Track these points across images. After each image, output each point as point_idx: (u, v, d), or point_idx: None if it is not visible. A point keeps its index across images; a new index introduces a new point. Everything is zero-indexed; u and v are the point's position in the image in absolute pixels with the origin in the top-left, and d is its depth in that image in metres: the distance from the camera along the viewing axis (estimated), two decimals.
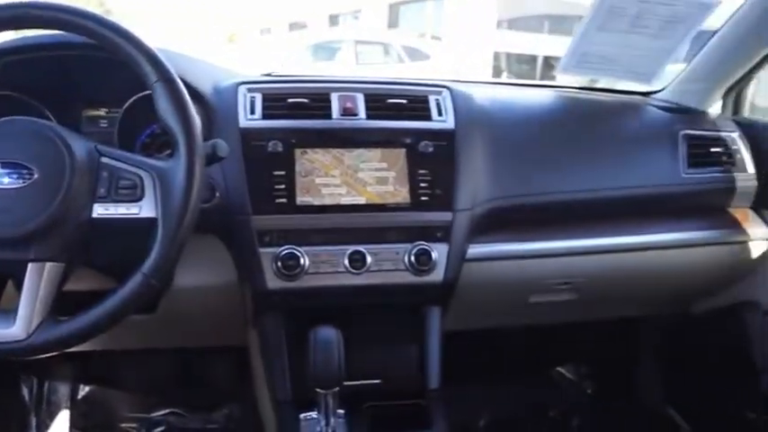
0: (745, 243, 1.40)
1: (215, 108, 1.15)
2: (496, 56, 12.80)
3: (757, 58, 1.38)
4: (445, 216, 1.15)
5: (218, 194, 1.08)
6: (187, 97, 0.88)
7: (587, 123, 1.36)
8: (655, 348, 1.78)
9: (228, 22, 20.13)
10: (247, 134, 1.13)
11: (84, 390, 1.75)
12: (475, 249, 1.20)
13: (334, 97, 1.19)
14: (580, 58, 1.41)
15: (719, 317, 1.56)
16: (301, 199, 1.12)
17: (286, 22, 17.93)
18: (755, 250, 1.41)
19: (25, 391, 1.67)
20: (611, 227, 1.30)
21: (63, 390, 1.73)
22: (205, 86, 1.16)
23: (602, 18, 1.32)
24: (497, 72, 12.65)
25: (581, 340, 1.86)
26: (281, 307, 1.17)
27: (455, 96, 1.23)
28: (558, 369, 2.00)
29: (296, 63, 7.86)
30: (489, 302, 1.37)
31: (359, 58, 8.26)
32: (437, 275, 1.15)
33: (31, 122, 0.88)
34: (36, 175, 0.83)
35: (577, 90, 1.56)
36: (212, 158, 0.92)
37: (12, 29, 0.91)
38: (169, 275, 1.08)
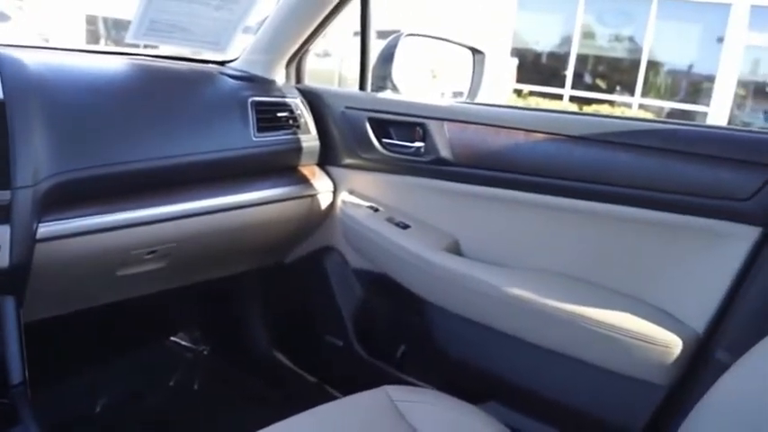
0: (315, 196, 1.60)
1: None
2: (92, 20, 11.87)
3: (307, 33, 1.57)
4: (2, 195, 1.04)
5: None
6: None
7: (160, 91, 1.37)
8: (257, 301, 1.93)
9: None
10: None
11: None
12: (46, 228, 1.12)
13: None
14: (149, 25, 1.40)
15: (306, 263, 1.77)
16: None
17: None
18: (324, 201, 1.62)
19: None
20: (192, 192, 1.34)
21: None
22: None
23: None
24: (94, 38, 11.75)
25: (187, 306, 1.91)
26: None
27: (3, 63, 1.11)
28: (173, 338, 2.02)
29: None
30: (74, 283, 1.30)
31: None
32: (2, 261, 1.04)
33: None
34: None
35: (152, 58, 1.55)
36: None
37: None
38: None
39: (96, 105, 1.23)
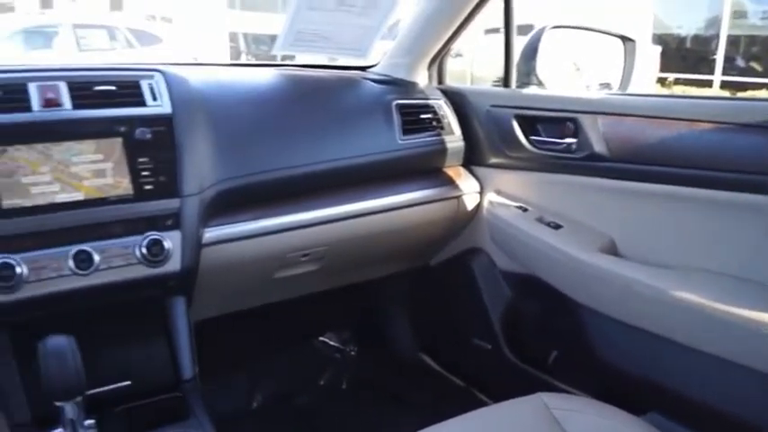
0: (461, 197, 1.57)
1: None
2: (234, 36, 12.61)
3: (449, 33, 1.55)
4: (173, 203, 1.12)
5: None
6: None
7: (309, 99, 1.41)
8: (403, 303, 1.94)
9: None
10: None
11: None
12: (211, 233, 1.20)
13: (33, 87, 1.08)
14: (296, 36, 1.46)
15: (452, 265, 1.75)
16: (8, 202, 1.00)
17: None
18: (470, 202, 1.59)
19: None
20: (342, 196, 1.37)
21: None
22: None
23: None
24: (236, 53, 12.47)
25: (336, 307, 1.96)
26: (1, 324, 1.05)
27: (169, 80, 1.19)
28: (321, 339, 2.08)
29: (3, 52, 6.93)
30: (235, 284, 1.38)
31: (80, 44, 7.52)
32: (174, 264, 1.12)
33: None
34: None
35: (298, 67, 1.61)
36: None
37: None
38: None
39: (251, 116, 1.29)
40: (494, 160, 1.56)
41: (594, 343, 1.47)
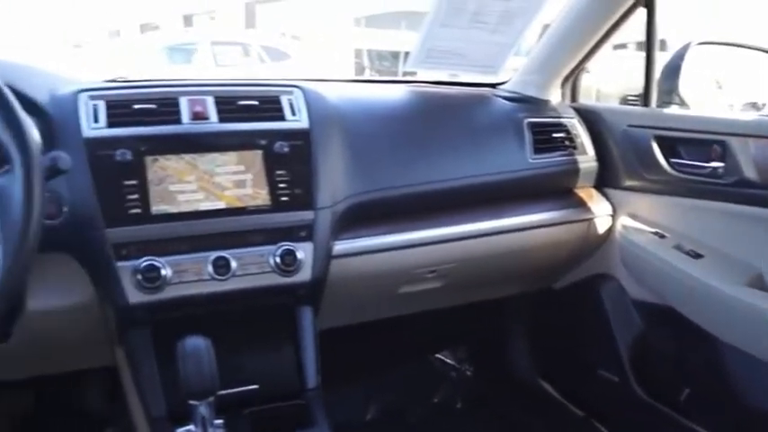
0: (592, 220, 1.51)
1: (54, 118, 1.07)
2: (358, 53, 12.94)
3: (586, 50, 1.50)
4: (307, 215, 1.15)
5: (65, 209, 1.02)
6: (17, 108, 0.82)
7: (439, 116, 1.41)
8: (523, 325, 1.89)
9: (73, 25, 18.85)
10: (92, 144, 1.07)
11: None
12: (341, 245, 1.22)
13: (183, 101, 1.15)
14: (427, 53, 1.47)
15: (579, 290, 1.68)
16: (156, 208, 1.07)
17: (137, 23, 17.07)
18: (602, 226, 1.53)
19: None
20: (469, 213, 1.36)
21: None
22: (41, 96, 1.09)
23: (444, 14, 1.39)
24: (360, 69, 12.77)
25: (455, 325, 1.94)
26: (145, 321, 1.12)
27: (308, 95, 1.24)
28: (438, 356, 2.07)
29: (150, 67, 7.51)
30: (360, 297, 1.39)
31: (217, 60, 8.03)
32: (304, 275, 1.15)
33: None
34: None
35: (429, 84, 1.61)
36: (53, 172, 0.86)
37: None
38: (17, 298, 1.01)
39: (384, 131, 1.31)
40: (629, 182, 1.49)
41: (734, 383, 1.36)
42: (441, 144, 1.35)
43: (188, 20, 16.43)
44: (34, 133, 0.84)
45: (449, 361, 2.04)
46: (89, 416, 1.69)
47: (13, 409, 1.64)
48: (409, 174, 1.28)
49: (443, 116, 1.42)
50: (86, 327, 1.15)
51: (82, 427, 1.68)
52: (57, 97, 1.11)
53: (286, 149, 1.15)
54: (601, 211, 1.51)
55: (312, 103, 1.23)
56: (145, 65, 7.40)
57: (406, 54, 1.54)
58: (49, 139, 1.04)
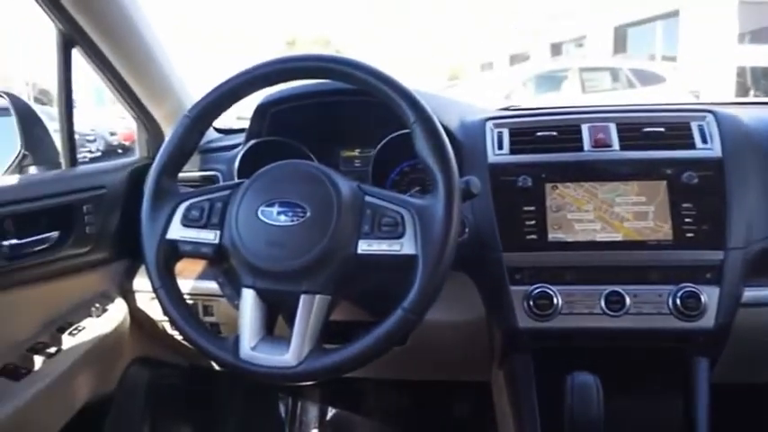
0: None
1: (463, 144, 1.16)
2: (741, 71, 11.58)
3: None
4: (716, 255, 1.03)
5: (467, 230, 1.09)
6: (444, 136, 0.89)
7: None
8: None
9: (448, 57, 20.80)
10: (496, 170, 1.12)
11: (331, 412, 1.86)
12: (751, 293, 1.07)
13: (585, 128, 1.14)
14: None
15: None
16: (553, 235, 1.08)
17: (507, 54, 17.98)
18: None
19: (282, 409, 1.82)
20: None
21: (313, 411, 1.85)
22: (454, 124, 1.18)
23: None
24: (742, 89, 11.42)
25: None
26: (531, 347, 1.13)
27: (721, 121, 1.12)
28: None
29: (518, 96, 7.79)
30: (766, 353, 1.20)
31: (585, 86, 7.93)
32: (707, 321, 1.03)
33: (302, 164, 0.94)
34: (308, 213, 0.86)
35: None
36: (467, 195, 0.91)
37: (283, 81, 0.97)
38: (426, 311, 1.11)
39: None
40: None
41: None
42: None
43: (556, 48, 16.70)
44: (454, 159, 0.90)
45: None
46: (451, 423, 1.79)
47: (389, 404, 1.82)
48: None
49: None
50: (471, 343, 1.21)
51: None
52: (466, 125, 1.20)
53: (695, 180, 1.06)
54: None
55: (726, 129, 1.11)
56: (513, 94, 7.71)
57: None
58: (459, 164, 1.12)
